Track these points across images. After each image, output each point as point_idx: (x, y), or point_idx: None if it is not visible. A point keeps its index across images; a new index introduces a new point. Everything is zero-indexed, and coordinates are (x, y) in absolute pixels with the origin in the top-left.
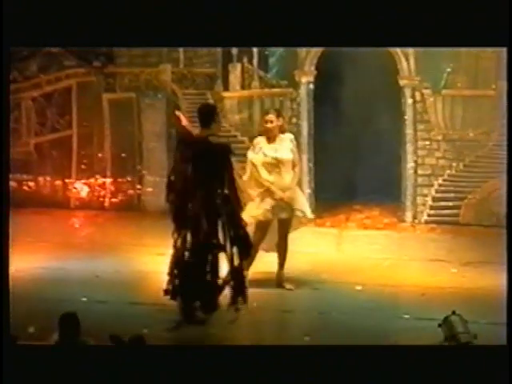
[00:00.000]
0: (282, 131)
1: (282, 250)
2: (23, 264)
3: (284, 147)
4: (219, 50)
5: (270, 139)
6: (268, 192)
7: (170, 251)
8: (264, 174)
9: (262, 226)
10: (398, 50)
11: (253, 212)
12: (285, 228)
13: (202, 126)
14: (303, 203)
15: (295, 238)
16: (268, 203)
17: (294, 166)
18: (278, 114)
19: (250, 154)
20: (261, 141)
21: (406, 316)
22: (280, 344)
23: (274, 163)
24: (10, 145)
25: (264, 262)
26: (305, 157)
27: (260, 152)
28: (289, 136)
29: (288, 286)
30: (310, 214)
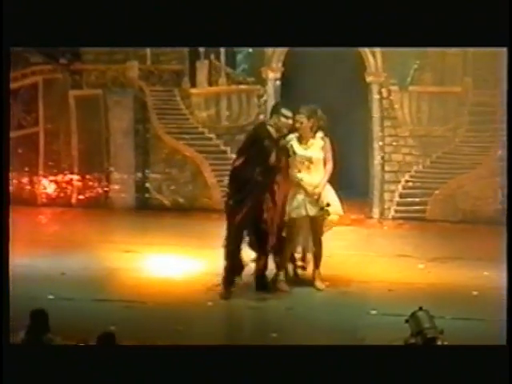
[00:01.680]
0: (314, 131)
1: (316, 249)
2: None
3: (315, 146)
4: None
5: (301, 138)
6: (298, 188)
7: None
8: (293, 171)
9: (296, 224)
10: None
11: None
12: (317, 226)
13: None
14: (334, 200)
15: None
16: (298, 200)
17: (325, 164)
18: (310, 115)
19: None
20: (292, 138)
21: (374, 312)
22: (247, 340)
23: (303, 162)
24: (9, 144)
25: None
26: None
27: (290, 150)
28: (320, 134)
29: (319, 285)
30: (340, 211)
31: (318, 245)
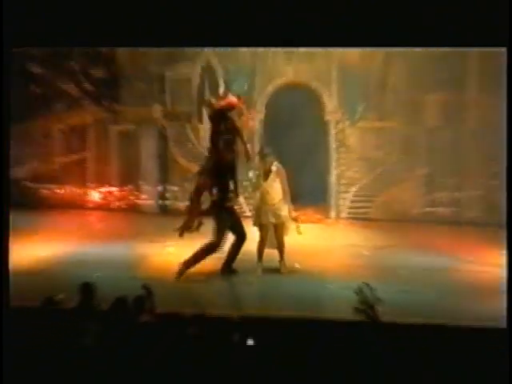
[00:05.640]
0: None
1: (279, 248)
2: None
3: (271, 179)
4: None
5: (264, 172)
6: (262, 202)
7: None
8: (253, 192)
9: (264, 228)
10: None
11: (255, 216)
12: (279, 231)
13: None
14: (285, 211)
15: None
16: (263, 210)
17: (281, 183)
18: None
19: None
20: (260, 169)
21: (330, 286)
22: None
23: (263, 191)
24: (9, 146)
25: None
26: None
27: (258, 180)
28: (276, 165)
29: (284, 270)
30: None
31: (280, 243)
